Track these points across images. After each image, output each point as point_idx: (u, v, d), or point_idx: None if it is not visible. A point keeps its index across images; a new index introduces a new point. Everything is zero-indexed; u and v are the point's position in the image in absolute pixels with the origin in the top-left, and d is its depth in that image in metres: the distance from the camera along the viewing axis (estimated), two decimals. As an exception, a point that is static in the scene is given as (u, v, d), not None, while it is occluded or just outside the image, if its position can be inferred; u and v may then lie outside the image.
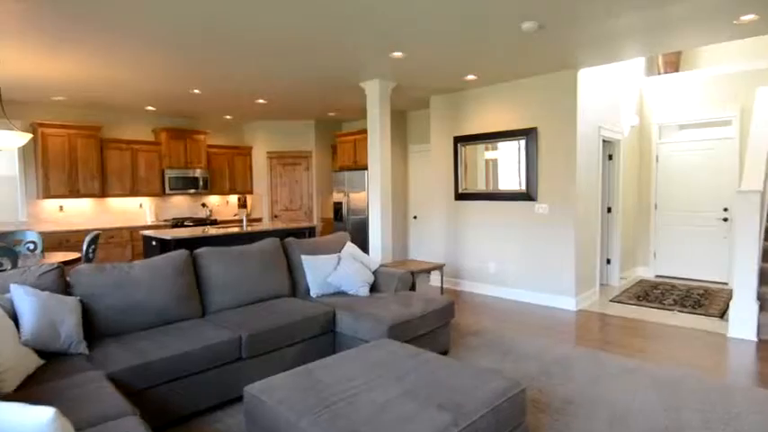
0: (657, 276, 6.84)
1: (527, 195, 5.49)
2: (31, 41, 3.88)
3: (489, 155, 5.85)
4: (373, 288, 4.16)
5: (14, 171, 6.42)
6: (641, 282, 6.51)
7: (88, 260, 4.73)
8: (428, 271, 4.48)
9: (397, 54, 4.39)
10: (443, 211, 6.47)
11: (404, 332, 3.25)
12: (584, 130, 5.23)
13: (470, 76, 5.34)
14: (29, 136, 4.66)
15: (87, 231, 6.54)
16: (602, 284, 6.25)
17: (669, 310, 5.06)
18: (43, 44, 3.97)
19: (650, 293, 5.80)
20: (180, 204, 8.03)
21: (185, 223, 7.53)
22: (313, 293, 3.89)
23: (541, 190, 5.40)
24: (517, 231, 5.64)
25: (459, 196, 6.22)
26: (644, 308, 5.20)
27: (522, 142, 5.52)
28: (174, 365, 2.63)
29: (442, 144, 6.43)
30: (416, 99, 6.69)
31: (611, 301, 5.51)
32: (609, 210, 6.33)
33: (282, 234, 6.26)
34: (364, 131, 7.47)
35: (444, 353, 3.76)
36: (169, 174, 7.49)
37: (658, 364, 3.57)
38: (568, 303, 5.21)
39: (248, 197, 8.84)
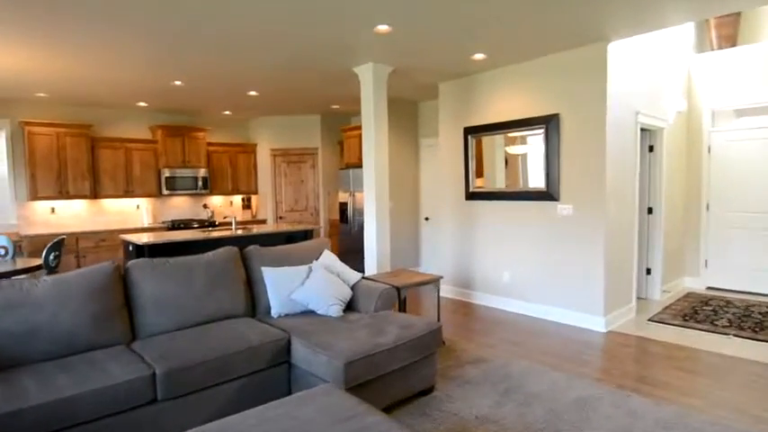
0: (709, 289, 5.81)
1: (548, 194, 4.67)
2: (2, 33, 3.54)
3: (503, 148, 5.05)
4: (350, 306, 3.50)
5: (3, 172, 6.17)
6: (689, 296, 5.51)
7: (49, 268, 4.31)
8: (421, 284, 3.78)
9: (383, 28, 3.70)
10: (453, 212, 5.72)
11: (367, 369, 2.57)
12: (616, 116, 4.36)
13: (478, 56, 4.57)
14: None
15: (79, 234, 6.23)
16: (639, 299, 5.32)
17: (723, 334, 4.12)
18: (15, 36, 3.68)
19: (699, 311, 4.84)
20: (180, 205, 7.65)
21: (182, 226, 7.13)
22: (274, 313, 3.27)
23: (565, 188, 4.56)
24: (536, 236, 4.82)
25: (470, 195, 5.45)
26: (691, 330, 4.27)
27: (542, 132, 4.69)
28: (56, 414, 2.07)
29: (451, 136, 5.67)
30: (426, 87, 5.97)
31: (650, 320, 4.60)
32: (650, 210, 5.38)
33: (275, 238, 5.70)
34: (370, 125, 6.81)
35: (427, 391, 3.04)
36: (166, 173, 7.11)
37: (709, 415, 2.72)
38: (596, 323, 4.36)
39: (253, 197, 8.38)
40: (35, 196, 6.11)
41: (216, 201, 8.08)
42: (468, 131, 5.40)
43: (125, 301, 2.89)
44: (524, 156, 4.89)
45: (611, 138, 4.31)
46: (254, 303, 3.37)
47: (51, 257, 4.34)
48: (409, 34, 3.88)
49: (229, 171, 7.93)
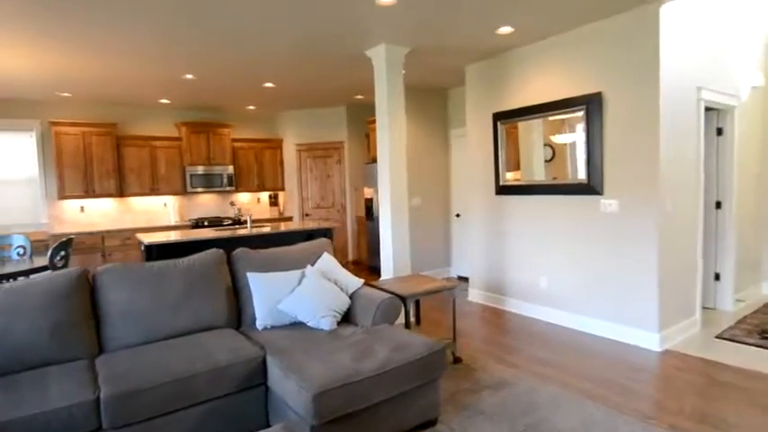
0: (795, 298, 4.87)
1: (589, 187, 4.01)
2: (20, 35, 3.61)
3: (542, 135, 4.42)
4: (347, 317, 3.08)
5: (35, 171, 6.28)
6: (769, 306, 4.64)
7: (56, 269, 4.21)
8: (431, 293, 3.28)
9: (385, 0, 3.23)
10: (482, 208, 5.15)
11: (346, 400, 2.13)
12: (672, 92, 3.64)
13: (504, 29, 3.98)
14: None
15: (104, 233, 6.24)
16: (706, 309, 4.52)
17: (815, 360, 3.32)
18: (30, 37, 3.71)
19: (783, 327, 4.00)
20: (206, 203, 7.56)
21: (206, 224, 7.01)
22: (259, 324, 2.91)
23: (609, 180, 3.89)
24: (575, 236, 4.18)
25: (501, 189, 4.85)
26: (771, 352, 3.49)
27: (581, 115, 4.03)
28: (-27, 448, 1.80)
29: (480, 124, 5.09)
30: (453, 71, 5.41)
31: (718, 337, 3.84)
32: (718, 205, 4.56)
33: (291, 237, 5.38)
34: (395, 115, 6.35)
35: (429, 424, 2.56)
36: (190, 171, 7.01)
37: (795, 479, 2.06)
38: (648, 340, 3.67)
39: (280, 194, 8.15)
40: (63, 195, 6.16)
41: (243, 198, 7.92)
42: (498, 118, 4.80)
43: (93, 311, 2.63)
44: (560, 143, 4.24)
45: (666, 119, 3.59)
46: (239, 313, 3.03)
47: (58, 258, 4.24)
48: (419, 7, 3.38)
49: (255, 167, 7.74)
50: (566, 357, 3.53)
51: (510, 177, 4.76)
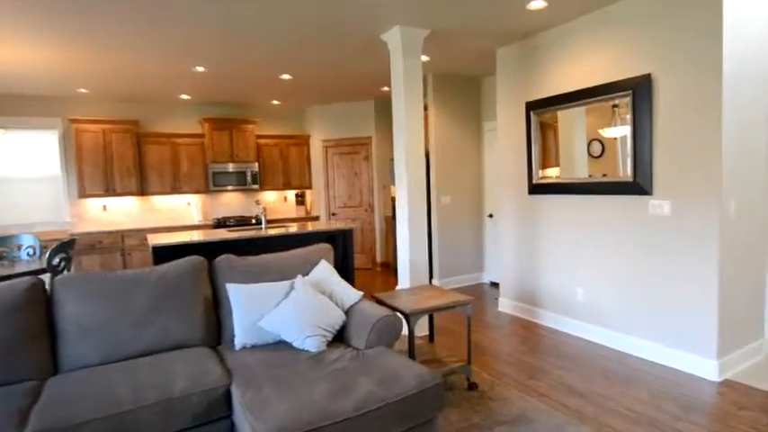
0: None
1: (635, 186, 3.41)
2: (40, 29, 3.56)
3: (579, 126, 3.85)
4: (340, 336, 2.70)
5: (57, 170, 6.33)
6: None
7: (55, 272, 4.10)
8: (440, 309, 2.84)
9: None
10: (513, 209, 4.61)
11: (311, 449, 1.75)
12: (739, 73, 2.98)
13: (536, 4, 3.45)
14: (1, 131, 4.18)
15: (123, 232, 6.20)
16: (781, 331, 3.79)
17: None
18: (49, 30, 3.64)
19: None
20: (231, 202, 7.41)
21: (229, 223, 6.86)
22: (237, 343, 2.58)
23: (660, 177, 3.28)
24: (618, 242, 3.59)
25: (534, 188, 4.31)
26: None
27: (627, 102, 3.43)
28: None
29: (511, 115, 4.56)
30: (485, 57, 4.89)
31: (796, 368, 3.15)
32: (798, 206, 3.79)
33: (308, 240, 5.07)
34: (424, 108, 5.88)
35: (422, 473, 2.13)
36: (213, 169, 6.87)
37: None
38: (704, 368, 3.06)
39: (307, 192, 7.90)
40: (84, 194, 6.16)
41: (269, 196, 7.73)
42: (531, 107, 4.25)
43: (48, 326, 2.38)
44: (601, 135, 3.65)
45: (730, 104, 2.95)
46: (219, 329, 2.72)
47: (57, 260, 4.13)
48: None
49: (280, 165, 7.51)
50: (602, 386, 2.99)
51: (544, 175, 4.20)
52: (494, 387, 3.00)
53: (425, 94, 5.90)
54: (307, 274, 2.94)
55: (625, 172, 3.49)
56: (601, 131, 3.65)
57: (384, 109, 7.29)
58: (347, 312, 2.76)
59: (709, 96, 2.96)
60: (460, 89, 5.86)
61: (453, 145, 5.84)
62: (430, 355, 3.04)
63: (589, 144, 3.75)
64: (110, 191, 6.29)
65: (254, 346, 2.58)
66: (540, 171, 4.25)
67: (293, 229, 5.29)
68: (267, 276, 2.85)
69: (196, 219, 7.05)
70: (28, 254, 4.73)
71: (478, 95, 6.02)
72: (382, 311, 2.60)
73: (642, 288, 3.44)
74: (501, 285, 4.81)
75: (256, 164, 7.17)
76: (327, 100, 7.10)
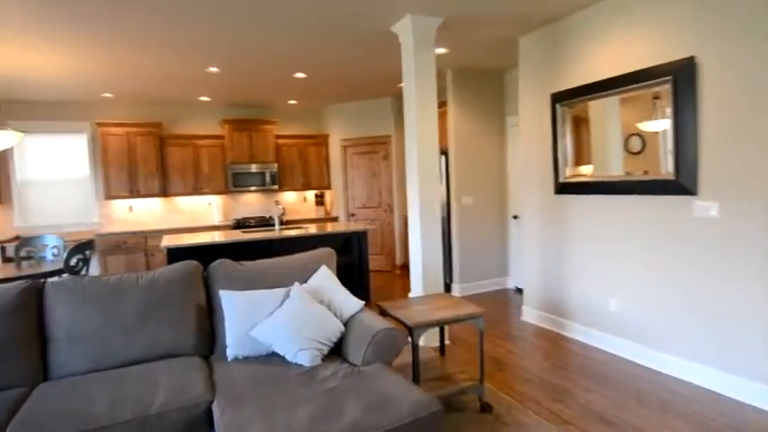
0: None
1: (677, 185, 3.03)
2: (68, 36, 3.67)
3: (613, 119, 3.49)
4: (338, 349, 2.48)
5: (86, 172, 6.43)
6: None
7: (72, 273, 4.09)
8: (447, 322, 2.57)
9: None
10: (538, 210, 4.28)
11: (284, 485, 1.54)
12: (803, 49, 2.57)
13: (560, -15, 3.13)
14: (20, 135, 4.20)
15: (147, 233, 6.22)
16: None
17: None
18: (75, 37, 3.75)
19: None
20: (251, 203, 7.35)
21: (248, 224, 6.79)
22: (229, 354, 2.41)
23: (706, 175, 2.90)
24: (657, 247, 3.21)
25: (561, 188, 3.96)
26: None
27: (667, 90, 3.06)
28: None
29: (535, 108, 4.22)
30: (509, 48, 4.57)
31: None
32: None
33: (323, 242, 4.90)
34: (442, 105, 5.63)
35: None
36: (232, 170, 6.81)
37: None
38: (759, 396, 2.65)
39: (327, 193, 7.74)
40: (109, 195, 6.23)
41: (289, 197, 7.62)
42: (557, 99, 3.91)
43: (40, 332, 2.29)
44: (635, 127, 3.28)
45: (793, 88, 2.54)
46: (213, 338, 2.56)
47: (74, 261, 4.11)
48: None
49: (300, 165, 7.39)
50: (636, 413, 2.64)
51: (574, 173, 3.85)
52: (510, 410, 2.71)
53: (445, 90, 5.62)
54: (306, 280, 2.74)
55: (666, 169, 3.11)
56: (639, 125, 3.28)
57: (402, 106, 7.03)
58: (347, 323, 2.54)
59: (765, 80, 2.57)
60: (482, 83, 5.54)
61: (474, 142, 5.52)
62: (438, 372, 2.77)
63: (627, 139, 3.37)
64: (134, 192, 6.33)
65: (246, 358, 2.40)
66: (568, 169, 3.89)
67: (310, 230, 5.13)
68: (264, 283, 2.67)
69: (216, 219, 7.02)
70: (53, 254, 4.77)
71: (501, 89, 5.68)
72: (382, 324, 2.37)
73: (684, 300, 3.05)
74: (525, 293, 4.47)
75: (275, 164, 7.07)
76: (345, 98, 6.92)
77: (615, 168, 3.49)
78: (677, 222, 3.08)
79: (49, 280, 2.38)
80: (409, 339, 2.47)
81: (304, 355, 2.31)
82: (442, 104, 5.62)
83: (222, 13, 3.39)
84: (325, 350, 2.40)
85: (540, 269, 4.26)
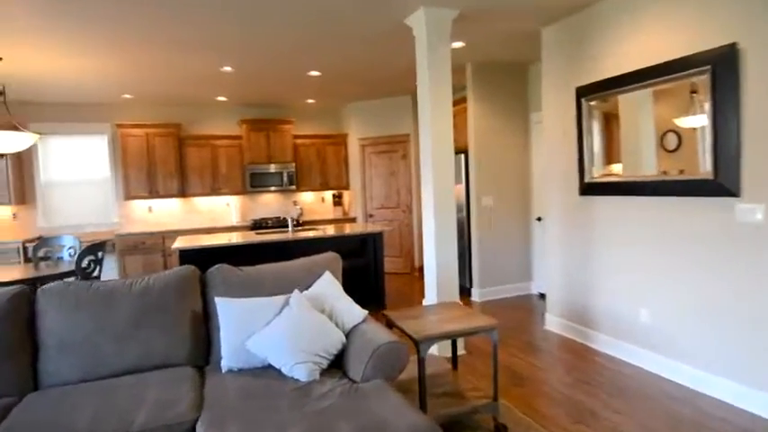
0: None
1: (716, 186, 2.75)
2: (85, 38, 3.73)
3: (645, 114, 3.21)
4: (338, 362, 2.32)
5: (107, 173, 6.50)
6: None
7: (84, 275, 4.08)
8: (457, 335, 2.38)
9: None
10: (561, 213, 4.02)
11: None
12: None
13: (584, -31, 2.88)
14: (36, 137, 4.23)
15: (164, 233, 6.24)
16: None
17: None
18: (91, 38, 3.78)
19: None
20: (269, 203, 7.30)
21: (266, 225, 6.73)
22: (224, 366, 2.29)
23: (750, 175, 2.60)
24: (693, 254, 2.93)
25: (587, 188, 3.70)
26: None
27: (704, 81, 2.77)
28: None
29: (559, 103, 3.97)
30: (532, 40, 4.33)
31: None
32: None
33: (338, 244, 4.77)
34: (461, 101, 5.41)
35: None
36: (250, 170, 6.77)
37: None
38: (814, 424, 2.36)
39: (345, 193, 7.62)
40: (129, 196, 6.29)
41: (306, 197, 7.54)
42: (582, 93, 3.65)
43: (31, 339, 2.22)
44: (671, 123, 3.00)
45: None
46: (209, 347, 2.45)
47: (86, 262, 4.10)
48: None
49: (317, 165, 7.30)
50: (668, 438, 2.38)
51: (603, 172, 3.58)
52: (527, 429, 2.49)
53: (464, 86, 5.39)
54: (309, 286, 2.60)
55: (705, 168, 2.82)
56: (676, 121, 2.99)
57: (425, 104, 6.84)
58: (349, 334, 2.38)
59: (818, 68, 2.27)
60: (504, 78, 5.29)
61: (496, 140, 5.28)
62: (449, 387, 2.58)
63: (663, 136, 3.09)
64: (153, 193, 6.36)
65: (241, 370, 2.27)
66: (595, 168, 3.63)
67: (324, 231, 5.01)
68: (264, 290, 2.54)
69: (234, 220, 7.01)
70: (69, 254, 4.80)
71: (524, 84, 5.41)
72: (386, 337, 2.20)
73: (724, 313, 2.76)
74: (548, 300, 4.22)
75: (293, 164, 7.00)
76: (363, 97, 6.78)
77: (647, 167, 3.21)
78: (717, 227, 2.79)
79: (44, 285, 2.31)
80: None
81: (300, 369, 2.16)
82: (461, 101, 5.40)
83: (228, 10, 3.29)
84: (325, 363, 2.25)
85: (564, 274, 4.00)
